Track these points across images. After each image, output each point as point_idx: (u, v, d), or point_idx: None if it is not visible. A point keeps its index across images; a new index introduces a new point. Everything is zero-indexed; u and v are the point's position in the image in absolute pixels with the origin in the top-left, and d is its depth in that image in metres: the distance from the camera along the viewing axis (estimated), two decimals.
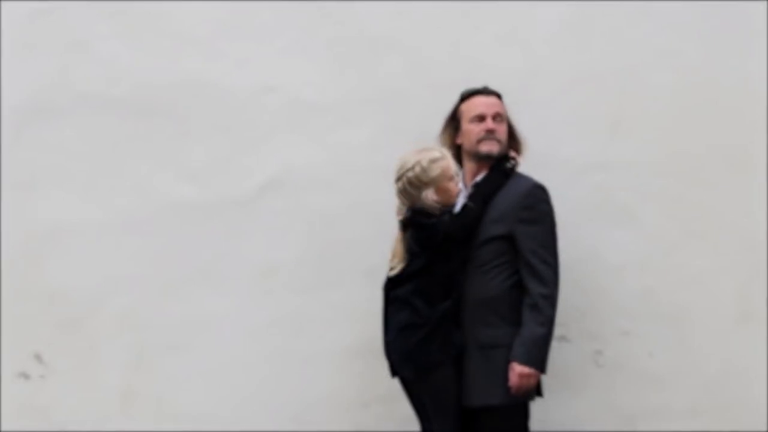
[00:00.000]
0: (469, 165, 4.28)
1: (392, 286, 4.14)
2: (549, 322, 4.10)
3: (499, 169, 4.21)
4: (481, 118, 4.23)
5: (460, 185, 4.22)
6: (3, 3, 4.75)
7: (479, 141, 4.22)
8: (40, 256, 4.73)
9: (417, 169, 4.07)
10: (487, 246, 4.13)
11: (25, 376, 4.74)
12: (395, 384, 4.56)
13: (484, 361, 4.10)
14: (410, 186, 4.08)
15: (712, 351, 4.58)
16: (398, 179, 4.11)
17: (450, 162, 4.13)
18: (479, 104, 4.25)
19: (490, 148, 4.21)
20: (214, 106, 4.70)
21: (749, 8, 4.57)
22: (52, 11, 4.73)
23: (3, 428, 4.71)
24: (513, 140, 4.32)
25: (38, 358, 4.73)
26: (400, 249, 4.13)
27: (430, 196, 4.07)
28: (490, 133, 4.21)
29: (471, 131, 4.24)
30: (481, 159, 4.24)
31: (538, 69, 4.62)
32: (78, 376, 4.72)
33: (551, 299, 4.10)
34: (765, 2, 4.59)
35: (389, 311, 4.15)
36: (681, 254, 4.58)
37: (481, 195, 4.15)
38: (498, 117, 4.24)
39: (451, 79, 4.50)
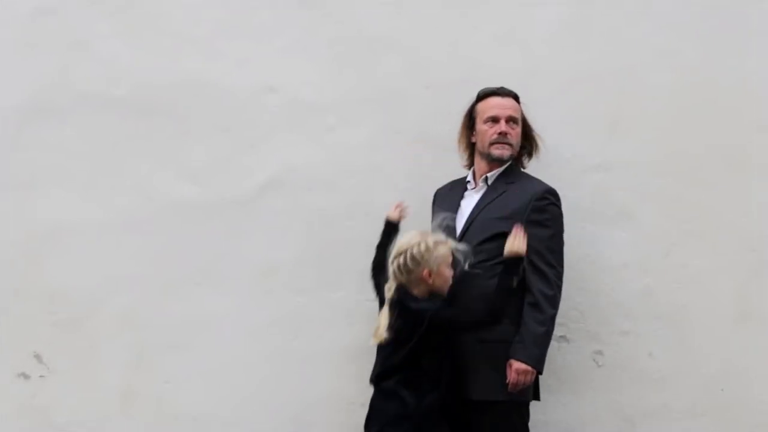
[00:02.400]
0: (481, 164, 4.31)
1: (379, 378, 4.08)
2: (549, 322, 4.11)
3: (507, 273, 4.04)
4: (495, 120, 4.24)
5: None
6: (3, 3, 4.76)
7: (491, 144, 4.24)
8: (40, 256, 4.73)
9: (422, 246, 4.00)
10: (493, 242, 4.12)
11: (25, 376, 4.74)
12: None
13: (486, 356, 4.11)
14: (412, 261, 4.00)
15: (712, 351, 4.58)
16: (399, 254, 4.03)
17: (450, 249, 4.07)
18: (494, 105, 4.27)
19: (502, 152, 4.24)
20: (214, 106, 4.71)
21: (748, 8, 4.58)
22: (52, 11, 4.74)
23: (3, 428, 4.72)
24: (528, 140, 4.35)
25: (38, 358, 4.74)
26: (384, 323, 4.03)
27: (427, 275, 4.01)
28: (502, 135, 4.23)
29: (485, 132, 4.26)
30: (492, 161, 4.27)
31: (537, 69, 4.62)
32: (78, 376, 4.73)
33: (553, 300, 4.12)
34: (765, 2, 4.59)
35: (375, 399, 4.10)
36: (680, 254, 4.58)
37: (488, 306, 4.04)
38: (512, 120, 4.25)
39: (450, 79, 4.52)
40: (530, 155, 4.39)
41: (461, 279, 4.10)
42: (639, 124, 4.60)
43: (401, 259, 4.02)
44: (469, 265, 4.07)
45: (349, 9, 4.68)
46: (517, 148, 4.30)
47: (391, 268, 4.06)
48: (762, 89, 4.56)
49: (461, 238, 4.18)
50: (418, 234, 4.07)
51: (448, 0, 4.66)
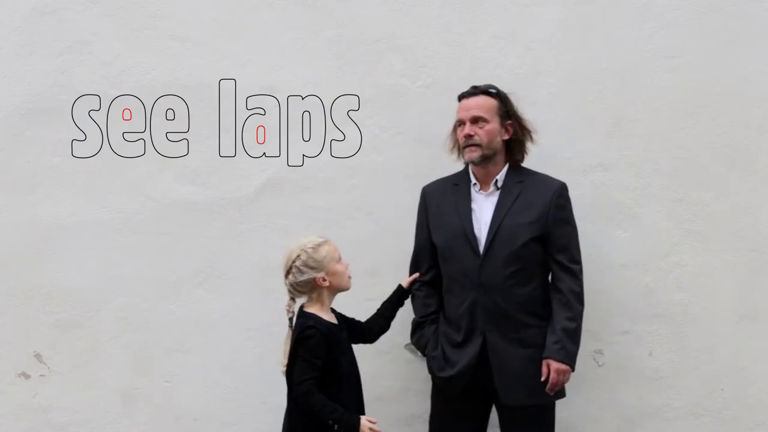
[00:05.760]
0: (474, 168, 4.29)
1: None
2: (580, 318, 4.16)
3: None
4: (462, 124, 4.24)
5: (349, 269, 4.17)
6: (2, 3, 4.75)
7: (462, 148, 4.25)
8: (40, 256, 4.73)
9: (303, 256, 4.04)
10: (527, 248, 4.15)
11: (25, 376, 4.74)
12: (395, 384, 4.59)
13: (529, 361, 4.14)
14: (300, 274, 4.05)
15: (712, 351, 4.59)
16: (287, 272, 4.07)
17: (333, 245, 4.11)
18: (460, 109, 4.27)
19: (470, 156, 4.22)
20: (214, 106, 4.70)
21: (750, 8, 4.57)
22: (52, 11, 4.72)
23: (3, 428, 4.71)
24: (521, 130, 4.29)
25: (38, 358, 4.73)
26: (288, 347, 4.06)
27: (321, 280, 4.05)
28: (468, 138, 4.21)
29: (458, 137, 4.27)
30: (471, 163, 4.27)
31: (537, 69, 4.62)
32: (78, 376, 4.72)
33: (581, 296, 4.18)
34: (766, 2, 4.59)
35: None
36: (681, 254, 4.59)
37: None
38: (479, 119, 4.21)
39: (451, 79, 4.51)
40: (523, 144, 4.29)
41: (500, 292, 4.13)
42: (640, 124, 4.60)
43: (290, 277, 4.06)
44: (504, 276, 4.13)
45: (350, 9, 4.67)
46: (492, 145, 4.22)
47: (286, 287, 4.08)
48: (763, 89, 4.56)
49: (488, 247, 4.17)
50: (295, 246, 4.08)
51: (448, 0, 4.66)
